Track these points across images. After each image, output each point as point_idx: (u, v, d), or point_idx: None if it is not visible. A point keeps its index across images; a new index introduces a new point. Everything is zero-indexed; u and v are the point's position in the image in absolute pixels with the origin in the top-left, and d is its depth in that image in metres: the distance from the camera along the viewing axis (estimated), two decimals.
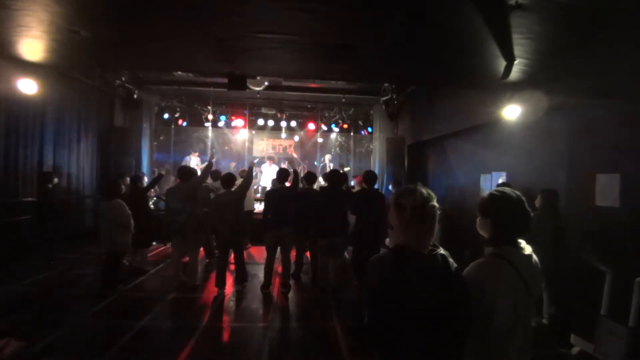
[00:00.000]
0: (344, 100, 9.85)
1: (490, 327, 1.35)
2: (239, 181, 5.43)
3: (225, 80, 4.13)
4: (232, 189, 4.87)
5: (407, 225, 1.33)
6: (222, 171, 6.85)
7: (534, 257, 1.48)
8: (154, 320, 3.95)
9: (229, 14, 2.45)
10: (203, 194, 5.44)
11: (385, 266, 1.34)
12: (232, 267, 5.11)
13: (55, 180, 6.01)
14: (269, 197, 5.04)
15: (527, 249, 1.47)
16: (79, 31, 2.76)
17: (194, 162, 9.69)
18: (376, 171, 8.83)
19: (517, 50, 2.79)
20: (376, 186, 4.97)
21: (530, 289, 1.40)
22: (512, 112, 4.51)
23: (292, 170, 5.66)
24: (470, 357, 1.36)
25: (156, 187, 6.58)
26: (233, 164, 10.40)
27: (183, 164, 9.10)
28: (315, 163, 12.19)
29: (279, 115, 10.86)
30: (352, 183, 7.88)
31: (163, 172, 5.81)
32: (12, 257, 5.56)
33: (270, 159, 10.30)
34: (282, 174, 5.11)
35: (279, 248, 4.94)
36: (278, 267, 5.11)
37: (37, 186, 5.97)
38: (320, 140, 12.45)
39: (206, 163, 5.25)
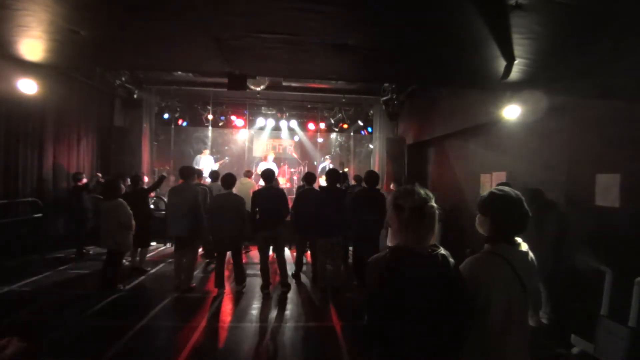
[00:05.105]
0: (344, 100, 9.84)
1: (485, 323, 1.35)
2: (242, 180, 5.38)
3: (225, 80, 4.14)
4: (233, 190, 4.85)
5: (406, 226, 1.33)
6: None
7: (530, 254, 1.50)
8: (154, 320, 3.95)
9: (229, 13, 2.45)
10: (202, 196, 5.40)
11: (384, 266, 1.34)
12: (232, 267, 5.11)
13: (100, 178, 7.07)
14: (256, 197, 4.87)
15: (524, 246, 1.49)
16: (79, 31, 2.77)
17: (204, 161, 9.65)
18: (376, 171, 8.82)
19: (517, 50, 2.79)
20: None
21: (525, 284, 1.41)
22: (512, 112, 4.51)
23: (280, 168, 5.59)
24: (466, 354, 1.36)
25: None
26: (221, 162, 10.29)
27: (194, 164, 9.09)
28: (315, 163, 12.19)
29: (279, 115, 10.86)
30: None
31: (165, 174, 5.79)
32: (12, 256, 5.56)
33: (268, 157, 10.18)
34: (269, 174, 4.95)
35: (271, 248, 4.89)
36: (277, 268, 5.11)
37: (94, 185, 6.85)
38: (320, 140, 12.46)
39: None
